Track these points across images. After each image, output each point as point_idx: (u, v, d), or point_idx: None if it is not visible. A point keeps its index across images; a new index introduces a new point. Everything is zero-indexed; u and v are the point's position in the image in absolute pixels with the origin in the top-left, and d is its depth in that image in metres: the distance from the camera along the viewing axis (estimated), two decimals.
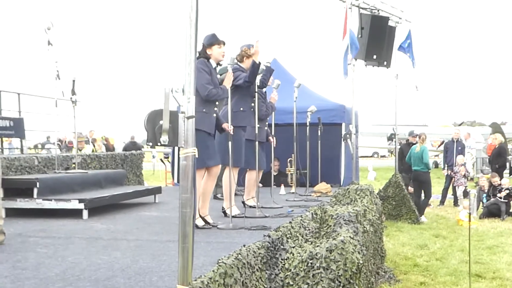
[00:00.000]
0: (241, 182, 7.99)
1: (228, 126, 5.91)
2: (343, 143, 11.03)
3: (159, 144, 2.99)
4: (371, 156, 47.51)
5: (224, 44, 5.85)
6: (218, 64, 5.97)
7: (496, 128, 33.53)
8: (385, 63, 12.55)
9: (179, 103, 2.91)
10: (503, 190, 13.23)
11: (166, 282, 3.36)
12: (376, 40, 12.03)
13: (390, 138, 13.07)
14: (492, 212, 13.25)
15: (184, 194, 2.94)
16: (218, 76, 6.07)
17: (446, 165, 16.53)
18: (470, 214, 7.50)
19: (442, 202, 15.87)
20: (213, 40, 5.75)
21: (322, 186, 9.18)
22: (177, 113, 2.86)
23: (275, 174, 10.89)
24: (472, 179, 20.96)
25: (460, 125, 43.25)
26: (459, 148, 16.47)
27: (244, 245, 4.07)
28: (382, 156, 50.46)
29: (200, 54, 5.71)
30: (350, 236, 4.77)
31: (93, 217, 6.51)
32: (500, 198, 13.11)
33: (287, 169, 10.65)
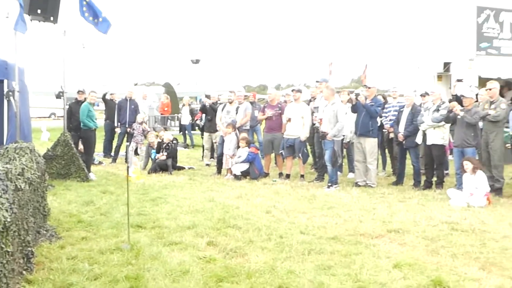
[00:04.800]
0: None
1: None
2: (5, 101, 10.45)
3: None
4: (49, 117, 45.79)
5: None
6: None
7: (168, 87, 35.70)
8: (51, 18, 12.07)
9: None
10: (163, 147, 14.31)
11: None
12: None
13: (59, 96, 12.78)
14: (161, 167, 14.08)
15: None
16: None
17: (119, 123, 16.97)
18: (128, 168, 7.84)
19: (114, 159, 16.24)
20: None
21: None
22: None
23: None
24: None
25: (136, 85, 44.73)
26: (132, 106, 17.08)
27: None
28: (60, 117, 49.03)
29: None
30: None
31: None
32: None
33: None
